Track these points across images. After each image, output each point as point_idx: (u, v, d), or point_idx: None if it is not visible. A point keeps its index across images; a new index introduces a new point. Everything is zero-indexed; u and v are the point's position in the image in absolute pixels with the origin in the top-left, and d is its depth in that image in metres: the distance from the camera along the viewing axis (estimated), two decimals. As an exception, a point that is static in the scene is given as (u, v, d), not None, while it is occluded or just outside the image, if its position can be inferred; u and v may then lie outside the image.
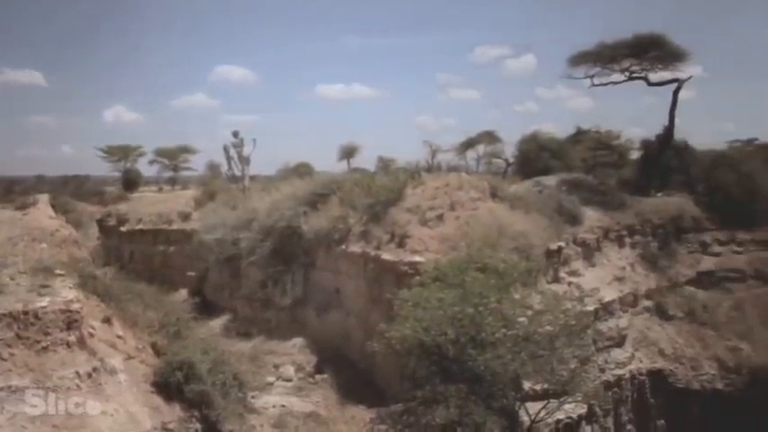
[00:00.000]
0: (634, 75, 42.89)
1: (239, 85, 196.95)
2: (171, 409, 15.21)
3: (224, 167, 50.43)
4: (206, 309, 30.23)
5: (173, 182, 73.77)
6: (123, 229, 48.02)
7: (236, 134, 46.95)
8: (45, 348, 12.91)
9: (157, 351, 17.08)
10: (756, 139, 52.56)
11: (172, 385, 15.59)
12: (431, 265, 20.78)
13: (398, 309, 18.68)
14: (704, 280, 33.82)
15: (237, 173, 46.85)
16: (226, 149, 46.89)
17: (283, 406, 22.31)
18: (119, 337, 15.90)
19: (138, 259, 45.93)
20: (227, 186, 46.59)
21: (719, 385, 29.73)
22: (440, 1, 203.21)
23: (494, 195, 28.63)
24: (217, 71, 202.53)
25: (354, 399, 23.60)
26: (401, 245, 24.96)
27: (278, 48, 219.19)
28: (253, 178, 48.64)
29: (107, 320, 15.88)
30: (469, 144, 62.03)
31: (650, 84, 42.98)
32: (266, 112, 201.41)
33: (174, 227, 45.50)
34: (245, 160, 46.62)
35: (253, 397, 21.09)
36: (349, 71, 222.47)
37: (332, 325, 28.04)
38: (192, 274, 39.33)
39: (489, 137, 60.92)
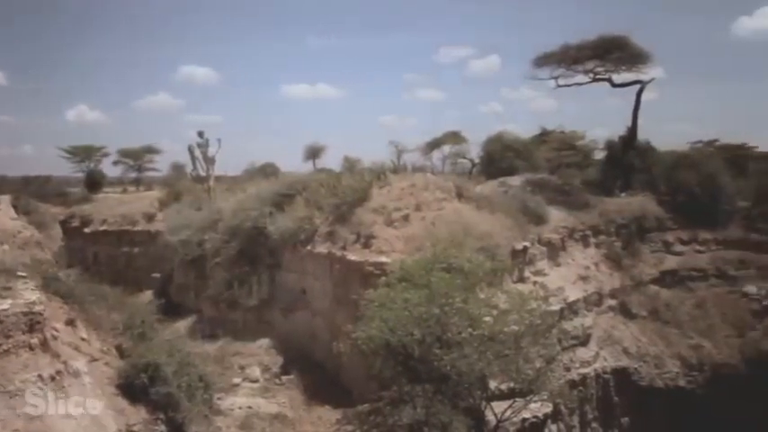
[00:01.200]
0: (598, 76, 43.43)
1: (203, 86, 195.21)
2: (136, 412, 15.08)
3: (189, 168, 49.89)
4: (171, 310, 29.89)
5: (137, 182, 73.62)
6: (87, 230, 47.62)
7: (200, 134, 46.51)
8: (7, 351, 12.70)
9: (122, 353, 16.91)
10: (717, 141, 53.29)
11: (137, 387, 15.44)
12: (397, 265, 20.79)
13: (364, 309, 18.69)
14: (667, 279, 34.35)
15: (202, 173, 46.34)
16: (191, 150, 46.39)
17: (249, 407, 22.19)
18: (83, 339, 15.73)
19: (102, 261, 45.59)
20: (192, 187, 46.12)
21: (682, 383, 30.18)
22: (404, 1, 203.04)
23: (459, 196, 28.71)
24: (181, 71, 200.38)
25: (321, 399, 23.52)
26: (367, 245, 24.92)
27: (242, 48, 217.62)
28: (218, 179, 48.27)
29: (71, 323, 15.70)
30: (435, 144, 62.19)
31: (614, 85, 43.57)
32: (231, 112, 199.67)
33: (139, 228, 45.26)
34: (210, 160, 46.14)
35: (219, 398, 20.96)
36: (314, 71, 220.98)
37: (298, 326, 27.96)
38: (157, 275, 38.99)
39: (454, 137, 61.08)
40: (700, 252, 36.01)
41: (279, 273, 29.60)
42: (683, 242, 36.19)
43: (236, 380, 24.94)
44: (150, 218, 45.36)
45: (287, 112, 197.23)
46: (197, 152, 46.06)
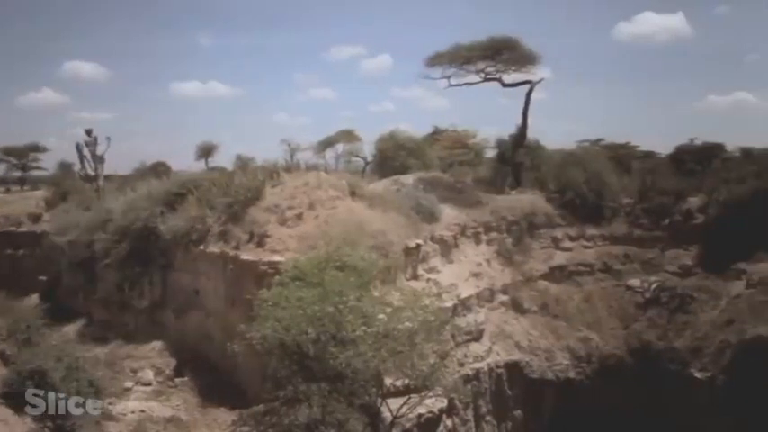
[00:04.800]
0: (489, 76, 43.98)
1: (91, 82, 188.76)
2: (21, 421, 14.62)
3: (77, 167, 48.67)
4: (59, 314, 29.17)
5: (22, 182, 71.40)
6: (-33, 232, 45.81)
7: (89, 132, 45.42)
8: None
9: (6, 360, 16.41)
10: (602, 140, 55.15)
11: (23, 395, 14.98)
12: (290, 264, 20.67)
13: (258, 309, 18.54)
14: (556, 274, 35.19)
15: (91, 172, 45.27)
16: (78, 148, 45.27)
17: (142, 411, 21.76)
18: (-37, 346, 15.21)
19: (-17, 264, 43.92)
20: (81, 186, 45.05)
21: (572, 374, 31.08)
22: (295, 0, 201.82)
23: (352, 194, 28.75)
24: (66, 66, 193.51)
25: (216, 401, 23.34)
26: (260, 244, 24.82)
27: (130, 44, 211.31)
28: (108, 178, 47.14)
29: (-51, 329, 15.15)
30: (328, 143, 62.11)
31: (504, 85, 44.18)
32: (120, 109, 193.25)
33: (24, 229, 43.77)
34: (99, 159, 45.12)
35: (110, 403, 20.51)
36: (205, 69, 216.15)
37: (191, 327, 27.63)
38: (44, 278, 37.80)
39: (347, 135, 61.08)
40: (587, 248, 37.02)
41: (171, 273, 29.18)
42: (571, 238, 37.15)
43: (129, 384, 24.43)
44: (36, 218, 44.03)
45: (178, 110, 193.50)
46: (85, 151, 45.01)
